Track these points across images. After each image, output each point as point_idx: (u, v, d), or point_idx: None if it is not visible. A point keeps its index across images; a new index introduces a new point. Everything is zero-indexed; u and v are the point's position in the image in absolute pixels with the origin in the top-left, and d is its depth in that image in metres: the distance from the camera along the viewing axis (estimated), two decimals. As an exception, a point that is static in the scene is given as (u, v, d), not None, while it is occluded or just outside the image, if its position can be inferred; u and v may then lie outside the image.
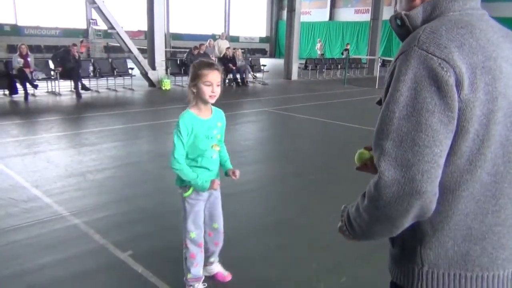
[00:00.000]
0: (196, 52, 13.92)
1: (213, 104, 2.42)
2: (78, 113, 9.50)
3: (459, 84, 0.98)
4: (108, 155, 5.79)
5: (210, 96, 2.28)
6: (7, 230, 3.47)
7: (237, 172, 2.53)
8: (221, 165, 2.58)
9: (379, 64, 19.81)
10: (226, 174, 2.57)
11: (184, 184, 2.43)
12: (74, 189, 4.47)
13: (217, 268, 2.82)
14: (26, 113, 9.16)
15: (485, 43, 1.03)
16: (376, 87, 14.73)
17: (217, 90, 2.29)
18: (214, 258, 2.78)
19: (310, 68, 18.36)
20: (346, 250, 3.30)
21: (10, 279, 2.80)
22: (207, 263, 2.76)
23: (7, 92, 10.69)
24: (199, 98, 2.31)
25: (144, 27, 15.02)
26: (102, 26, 17.93)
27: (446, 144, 0.99)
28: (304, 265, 3.08)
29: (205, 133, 2.36)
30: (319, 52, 26.44)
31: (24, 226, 3.56)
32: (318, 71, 18.67)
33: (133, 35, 21.01)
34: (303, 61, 19.26)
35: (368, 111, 10.44)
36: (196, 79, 2.27)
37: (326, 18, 33.29)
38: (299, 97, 12.95)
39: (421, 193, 0.97)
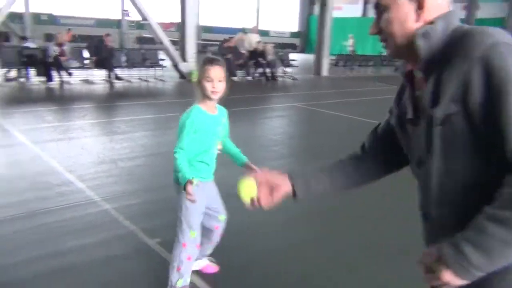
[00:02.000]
0: (226, 45, 13.97)
1: (223, 102, 2.37)
2: (110, 101, 9.71)
3: None
4: (138, 144, 5.90)
5: (212, 92, 2.22)
6: (42, 212, 3.59)
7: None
8: (234, 158, 2.51)
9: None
10: (243, 165, 2.47)
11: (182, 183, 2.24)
12: (106, 175, 4.57)
13: (205, 261, 2.78)
14: (61, 100, 9.43)
15: None
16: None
17: (219, 86, 2.22)
18: (209, 252, 2.72)
19: (341, 64, 18.15)
20: (379, 247, 3.27)
21: (44, 259, 2.89)
22: (200, 256, 2.69)
23: (43, 79, 11.03)
24: (203, 94, 2.27)
25: (176, 19, 15.18)
26: (136, 17, 18.23)
27: None
28: (333, 260, 3.06)
29: (211, 129, 2.33)
30: (350, 49, 26.09)
31: (58, 209, 3.67)
32: (349, 67, 18.44)
33: (165, 27, 21.26)
34: (334, 57, 19.06)
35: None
36: (200, 75, 2.24)
37: (359, 13, 32.80)
38: (328, 93, 12.84)
39: None
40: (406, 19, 1.11)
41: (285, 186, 1.36)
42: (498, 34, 1.00)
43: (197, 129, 2.26)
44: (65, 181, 4.30)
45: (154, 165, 5.12)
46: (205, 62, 2.26)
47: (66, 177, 4.41)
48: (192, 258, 2.39)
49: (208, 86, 2.21)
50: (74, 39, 11.62)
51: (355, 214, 3.87)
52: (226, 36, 14.81)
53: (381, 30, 1.19)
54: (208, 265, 2.78)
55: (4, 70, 10.98)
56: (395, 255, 3.10)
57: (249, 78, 14.29)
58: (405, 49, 1.15)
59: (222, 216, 2.59)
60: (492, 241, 0.94)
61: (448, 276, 0.99)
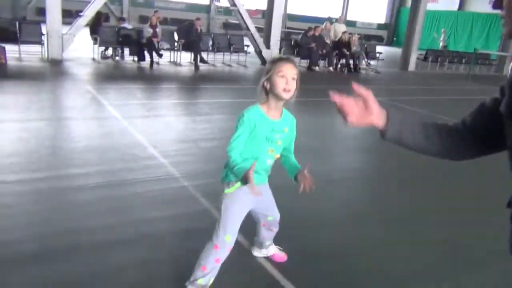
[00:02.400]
0: (311, 34, 13.84)
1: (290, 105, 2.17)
2: (194, 84, 10.10)
3: None
4: (218, 126, 6.10)
5: (284, 90, 2.03)
6: (129, 182, 3.87)
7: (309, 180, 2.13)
8: (289, 170, 2.28)
9: (512, 61, 17.90)
10: (296, 178, 2.22)
11: (228, 180, 2.23)
12: (186, 153, 4.80)
13: (273, 249, 2.78)
14: (150, 79, 9.99)
15: None
16: (505, 87, 13.29)
17: (292, 85, 2.05)
18: (270, 242, 2.73)
19: (430, 60, 17.18)
20: (454, 254, 3.11)
21: (128, 225, 3.13)
22: (262, 246, 2.74)
23: (136, 58, 11.74)
24: (272, 93, 2.08)
25: (262, 7, 15.29)
26: (224, 3, 18.62)
27: None
28: (403, 262, 2.96)
29: (266, 134, 2.12)
30: (441, 44, 24.57)
31: (142, 180, 3.93)
32: (439, 64, 17.41)
33: (251, 13, 21.51)
34: (423, 52, 18.07)
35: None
36: (269, 71, 2.06)
37: (455, 7, 30.71)
38: (413, 89, 12.26)
39: None
40: None
41: (378, 118, 1.31)
42: None
43: (251, 129, 2.09)
44: (150, 156, 4.59)
45: (232, 148, 5.27)
46: (277, 59, 2.12)
47: (151, 152, 4.70)
48: (220, 260, 2.27)
49: (280, 82, 2.03)
50: (161, 21, 12.11)
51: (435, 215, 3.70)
52: (312, 25, 14.61)
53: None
54: (276, 254, 2.80)
55: (102, 48, 11.84)
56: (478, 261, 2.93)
57: (331, 68, 14.06)
58: None
59: (270, 217, 2.51)
60: None
61: None
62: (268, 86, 2.08)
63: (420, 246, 3.22)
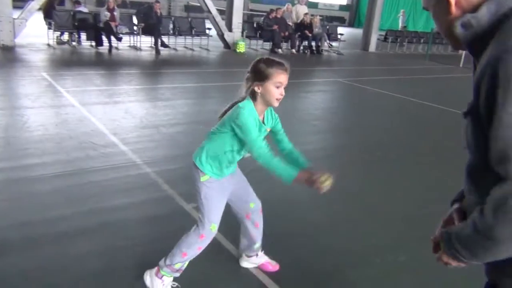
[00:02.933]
0: (272, 16, 13.79)
1: None
2: (156, 68, 9.90)
3: None
4: (180, 111, 6.02)
5: (277, 99, 2.01)
6: (88, 171, 3.78)
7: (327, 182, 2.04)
8: (294, 162, 2.20)
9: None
10: (302, 168, 2.15)
11: (201, 167, 2.13)
12: (148, 140, 4.72)
13: (263, 258, 2.61)
14: (109, 65, 9.71)
15: None
16: (461, 65, 13.78)
17: (283, 92, 2.02)
18: (258, 245, 2.53)
19: (390, 40, 17.51)
20: (410, 229, 3.23)
21: (87, 215, 3.07)
22: (251, 253, 2.56)
23: (93, 43, 11.36)
24: (263, 99, 2.02)
25: (224, -12, 15.06)
26: (184, -16, 18.19)
27: None
28: (365, 238, 3.06)
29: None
30: (401, 24, 25.04)
31: (102, 169, 3.85)
32: (398, 44, 17.77)
33: (213, -5, 21.15)
34: (383, 33, 18.39)
35: (447, 90, 9.85)
36: (264, 78, 1.97)
37: (413, -12, 31.26)
38: (374, 69, 12.49)
39: None
40: (446, 10, 1.08)
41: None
42: None
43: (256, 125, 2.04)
44: (110, 143, 4.49)
45: (194, 132, 5.22)
46: (275, 65, 2.00)
47: (111, 139, 4.59)
48: (202, 248, 2.25)
49: (275, 92, 1.99)
50: (118, 4, 11.73)
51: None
52: (274, 7, 14.54)
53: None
54: (267, 263, 2.62)
55: (57, 33, 11.37)
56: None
57: (294, 50, 14.09)
58: (449, 37, 1.13)
59: (252, 203, 2.41)
60: (474, 244, 1.01)
61: (445, 258, 1.14)
62: (259, 91, 2.00)
63: (381, 222, 3.32)
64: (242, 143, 2.08)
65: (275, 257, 2.66)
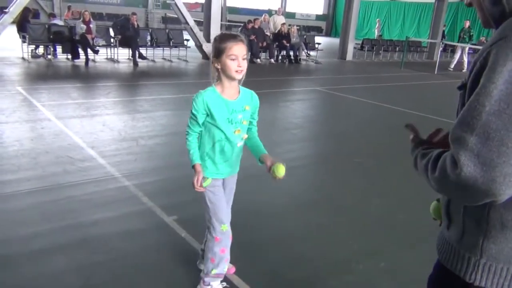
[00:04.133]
0: (250, 26, 13.87)
1: (242, 84, 2.17)
2: (134, 80, 9.82)
3: None
4: (159, 123, 5.97)
5: (237, 71, 2.01)
6: (65, 186, 3.70)
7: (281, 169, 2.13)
8: (253, 151, 2.28)
9: (441, 48, 18.90)
10: (261, 161, 2.22)
11: (203, 174, 2.16)
12: (127, 152, 4.66)
13: None
14: (86, 78, 9.58)
15: None
16: (435, 72, 14.10)
17: (244, 65, 2.02)
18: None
19: (366, 49, 17.80)
20: (389, 235, 3.26)
21: (66, 230, 3.00)
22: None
23: (69, 56, 11.21)
24: (224, 74, 2.04)
25: (202, 0, 15.12)
26: (161, -4, 18.17)
27: None
28: (344, 245, 3.07)
29: (227, 116, 2.08)
30: (376, 33, 25.56)
31: (80, 183, 3.78)
32: (374, 52, 18.08)
33: (190, 7, 21.19)
34: (360, 42, 18.70)
35: (423, 97, 10.05)
36: (219, 53, 2.00)
37: (387, -3, 31.98)
38: (352, 78, 12.66)
39: (498, 195, 0.92)
40: None
41: None
42: None
43: (207, 112, 2.07)
44: (87, 157, 4.41)
45: (174, 144, 5.18)
46: (226, 38, 2.02)
47: (88, 153, 4.52)
48: (226, 249, 2.28)
49: (232, 65, 1.99)
50: (75, 16, 11.64)
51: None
52: (251, 18, 14.65)
53: None
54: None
55: (32, 46, 11.19)
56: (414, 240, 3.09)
57: (273, 60, 14.19)
58: (479, 11, 1.13)
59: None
60: (421, 170, 1.11)
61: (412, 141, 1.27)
62: (219, 67, 2.04)
63: (360, 229, 3.34)
64: (218, 129, 2.10)
65: (251, 267, 2.65)
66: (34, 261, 2.63)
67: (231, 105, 2.09)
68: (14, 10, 10.78)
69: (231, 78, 2.06)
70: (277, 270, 2.72)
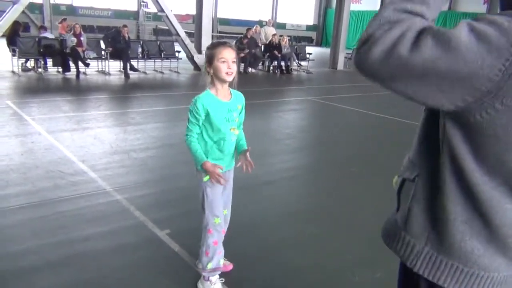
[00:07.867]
0: (245, 42, 13.78)
1: (234, 88, 2.38)
2: (125, 93, 9.78)
3: None
4: (151, 135, 5.93)
5: (227, 73, 2.21)
6: (55, 201, 3.65)
7: (250, 162, 2.42)
8: (236, 145, 2.48)
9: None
10: (240, 153, 2.46)
11: (201, 169, 2.33)
12: (118, 166, 4.62)
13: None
14: (77, 91, 9.53)
15: None
16: (425, 81, 14.18)
17: (233, 67, 2.23)
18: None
19: (357, 58, 17.93)
20: (384, 244, 3.23)
21: (56, 246, 2.94)
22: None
23: (60, 69, 11.15)
24: (216, 77, 2.25)
25: (193, 11, 15.16)
26: (153, 9, 18.25)
27: None
28: (339, 256, 3.04)
29: (224, 116, 2.29)
30: (367, 43, 25.73)
31: (71, 198, 3.72)
32: (365, 62, 18.21)
33: (181, 18, 21.29)
34: (350, 51, 18.84)
35: (414, 105, 10.09)
36: (211, 58, 2.23)
37: (377, 7, 32.34)
38: (343, 87, 12.73)
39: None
40: None
41: None
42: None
43: (206, 113, 2.25)
44: (78, 171, 4.36)
45: (166, 156, 5.15)
46: (217, 44, 2.27)
47: (79, 167, 4.47)
48: (218, 242, 2.46)
49: (222, 67, 2.20)
50: (69, 29, 11.66)
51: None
52: (243, 29, 14.71)
53: None
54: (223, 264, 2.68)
55: (22, 60, 11.13)
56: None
57: (264, 71, 14.23)
58: None
59: (225, 210, 2.57)
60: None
61: None
62: (211, 72, 2.25)
63: (354, 239, 3.32)
64: (216, 128, 2.29)
65: (244, 277, 2.61)
66: (23, 278, 2.57)
67: (227, 105, 2.31)
68: (4, 24, 10.74)
69: (222, 81, 2.27)
70: (270, 281, 2.69)
